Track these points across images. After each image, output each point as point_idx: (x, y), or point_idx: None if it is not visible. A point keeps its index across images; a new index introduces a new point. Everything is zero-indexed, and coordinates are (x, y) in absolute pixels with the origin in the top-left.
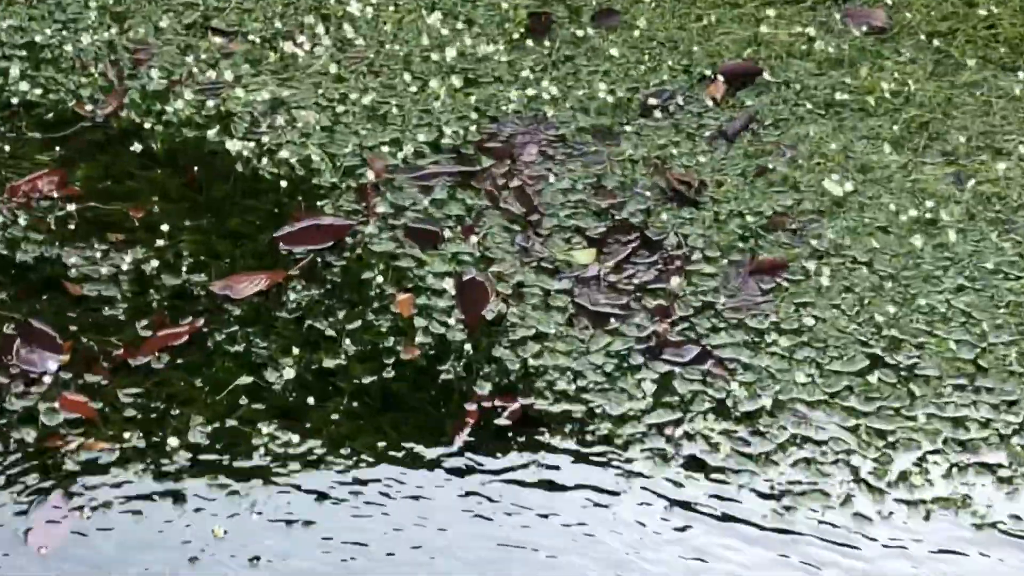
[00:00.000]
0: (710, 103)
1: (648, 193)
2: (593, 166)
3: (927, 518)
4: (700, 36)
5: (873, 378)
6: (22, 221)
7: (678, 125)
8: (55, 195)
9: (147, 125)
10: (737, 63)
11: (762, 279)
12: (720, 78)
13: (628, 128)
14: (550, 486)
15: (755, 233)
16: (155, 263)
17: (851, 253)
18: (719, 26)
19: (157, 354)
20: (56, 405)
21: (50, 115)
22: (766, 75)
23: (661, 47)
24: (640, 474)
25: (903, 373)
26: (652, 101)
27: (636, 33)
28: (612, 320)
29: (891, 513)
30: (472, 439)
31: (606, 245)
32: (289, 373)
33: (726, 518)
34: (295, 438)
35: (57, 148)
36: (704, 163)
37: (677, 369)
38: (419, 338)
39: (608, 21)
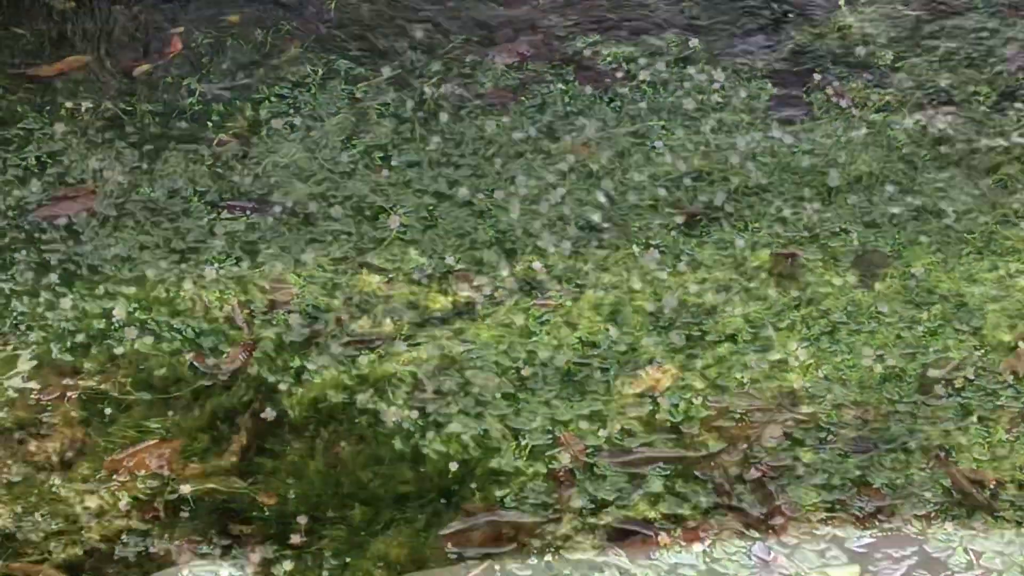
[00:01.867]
0: (1010, 378)
1: (928, 495)
2: (855, 456)
3: None
4: (997, 289)
5: None
6: (123, 506)
7: (967, 406)
8: (165, 473)
9: (282, 386)
10: None
11: None
12: (1023, 346)
13: (901, 408)
14: None
15: None
16: (289, 565)
17: None
18: (1021, 277)
19: None
20: None
21: (161, 370)
22: None
23: (944, 302)
24: None
25: None
26: (933, 373)
27: (911, 283)
28: None
29: None
30: None
31: (872, 562)
32: None
33: None
34: None
35: (169, 412)
36: (1003, 457)
37: None
38: None
39: (875, 266)
